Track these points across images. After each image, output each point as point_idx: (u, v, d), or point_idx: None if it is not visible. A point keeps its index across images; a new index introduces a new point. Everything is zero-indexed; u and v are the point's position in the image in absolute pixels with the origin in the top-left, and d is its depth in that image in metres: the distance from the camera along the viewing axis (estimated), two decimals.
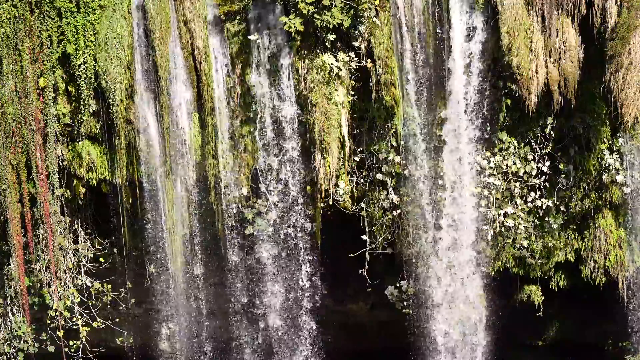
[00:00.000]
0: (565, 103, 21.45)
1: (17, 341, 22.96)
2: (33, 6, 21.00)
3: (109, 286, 23.31)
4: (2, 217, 22.03)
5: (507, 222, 22.46)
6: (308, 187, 21.93)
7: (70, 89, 21.45)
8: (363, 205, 22.57)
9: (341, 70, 21.06)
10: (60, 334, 22.78)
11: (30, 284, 22.73)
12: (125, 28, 21.01)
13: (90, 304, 23.16)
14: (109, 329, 23.64)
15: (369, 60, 21.17)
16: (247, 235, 22.36)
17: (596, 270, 22.87)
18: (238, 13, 21.13)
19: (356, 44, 21.09)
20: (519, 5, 20.85)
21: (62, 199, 22.24)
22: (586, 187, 22.34)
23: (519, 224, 22.49)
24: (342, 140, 21.52)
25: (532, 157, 22.11)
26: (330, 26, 20.59)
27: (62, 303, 22.64)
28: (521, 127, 21.98)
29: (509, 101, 21.62)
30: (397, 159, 21.87)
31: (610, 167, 21.98)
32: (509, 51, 20.91)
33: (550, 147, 22.05)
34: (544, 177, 22.20)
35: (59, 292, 22.57)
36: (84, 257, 23.04)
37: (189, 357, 23.31)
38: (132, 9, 21.03)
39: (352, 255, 22.86)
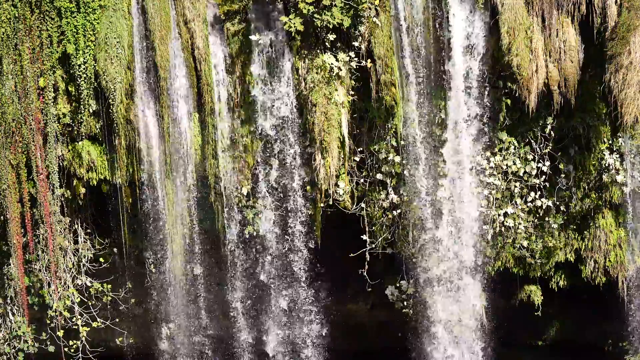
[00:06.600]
0: (565, 103, 21.46)
1: (17, 341, 22.95)
2: (33, 6, 20.98)
3: (109, 286, 23.30)
4: (2, 217, 22.03)
5: (507, 222, 22.46)
6: (308, 187, 21.92)
7: (70, 89, 21.44)
8: (363, 205, 22.57)
9: (341, 70, 21.05)
10: (60, 334, 22.77)
11: (30, 284, 22.72)
12: (125, 28, 21.01)
13: (90, 304, 23.16)
14: (109, 329, 23.64)
15: (369, 60, 21.16)
16: (247, 235, 22.35)
17: (596, 270, 22.88)
18: (238, 13, 21.13)
19: (356, 43, 21.08)
20: (519, 5, 20.86)
21: (62, 199, 22.22)
22: (586, 187, 22.35)
23: (519, 224, 22.49)
24: (342, 140, 21.52)
25: (532, 157, 22.11)
26: (330, 26, 20.59)
27: (62, 303, 22.62)
28: (521, 127, 21.98)
29: (509, 101, 21.62)
30: (397, 159, 21.87)
31: (610, 167, 21.98)
32: (509, 51, 20.92)
33: (550, 147, 22.05)
34: (544, 177, 22.20)
35: (58, 292, 22.56)
36: (84, 257, 23.02)
37: (189, 357, 23.30)
38: (132, 8, 21.04)
39: (352, 255, 22.86)
